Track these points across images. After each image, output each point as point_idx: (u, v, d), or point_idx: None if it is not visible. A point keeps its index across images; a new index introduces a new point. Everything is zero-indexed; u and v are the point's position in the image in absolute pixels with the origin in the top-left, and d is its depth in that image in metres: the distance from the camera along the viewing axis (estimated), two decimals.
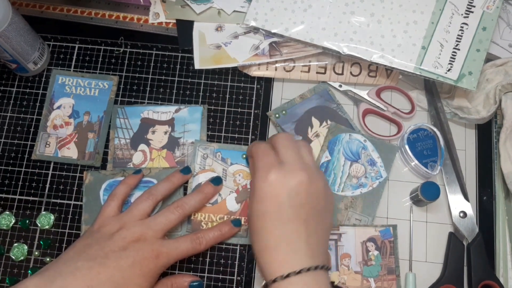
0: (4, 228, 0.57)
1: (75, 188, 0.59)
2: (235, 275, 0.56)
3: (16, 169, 0.60)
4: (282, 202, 0.46)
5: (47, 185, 0.59)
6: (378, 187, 0.58)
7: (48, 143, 0.60)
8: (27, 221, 0.57)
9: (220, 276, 0.56)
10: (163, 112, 0.61)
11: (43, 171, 0.60)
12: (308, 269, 0.44)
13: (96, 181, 0.58)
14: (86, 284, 0.45)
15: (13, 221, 0.57)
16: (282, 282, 0.43)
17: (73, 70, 0.64)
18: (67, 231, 0.58)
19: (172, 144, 0.60)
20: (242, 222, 0.56)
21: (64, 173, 0.60)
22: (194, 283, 0.52)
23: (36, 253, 0.57)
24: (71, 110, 0.62)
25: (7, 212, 0.58)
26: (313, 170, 0.48)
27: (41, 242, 0.57)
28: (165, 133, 0.60)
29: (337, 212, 0.57)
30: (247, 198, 0.57)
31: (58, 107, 0.62)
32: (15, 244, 0.56)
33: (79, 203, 0.59)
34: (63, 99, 0.62)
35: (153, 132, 0.60)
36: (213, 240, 0.53)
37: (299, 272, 0.43)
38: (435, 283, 0.55)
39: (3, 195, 0.59)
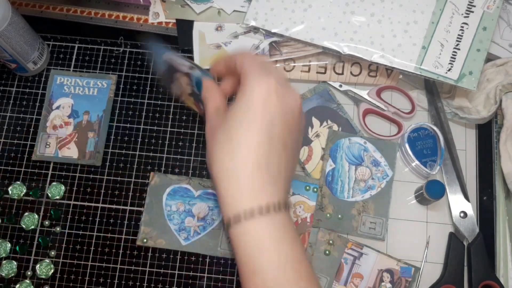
0: (15, 197, 0.58)
1: (74, 188, 0.59)
2: (235, 275, 0.56)
3: (16, 169, 0.60)
4: (275, 115, 0.39)
5: (47, 185, 0.59)
6: (386, 186, 0.58)
7: (48, 143, 0.60)
8: (39, 192, 0.58)
9: (220, 276, 0.56)
10: (182, 63, 0.52)
11: (43, 171, 0.60)
12: (278, 207, 0.38)
13: (162, 183, 0.58)
14: None
15: (24, 191, 0.58)
16: (246, 223, 0.37)
17: (73, 70, 0.64)
18: (79, 203, 0.59)
19: (196, 97, 0.51)
20: None
21: (64, 173, 0.60)
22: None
23: (46, 223, 0.57)
24: (70, 110, 0.61)
25: (18, 182, 0.59)
26: None
27: (51, 212, 0.58)
28: (187, 84, 0.52)
29: (351, 218, 0.57)
30: (306, 232, 0.56)
31: (57, 107, 0.61)
32: (26, 214, 0.57)
33: (79, 203, 0.59)
34: (62, 99, 0.62)
35: (177, 78, 0.53)
36: None
37: (267, 210, 0.37)
38: (435, 283, 0.55)
39: (4, 195, 0.59)
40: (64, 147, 0.60)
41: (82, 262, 0.57)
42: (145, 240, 0.56)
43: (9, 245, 0.57)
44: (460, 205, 0.57)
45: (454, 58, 0.57)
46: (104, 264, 0.57)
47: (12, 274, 0.56)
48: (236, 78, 0.44)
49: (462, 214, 0.57)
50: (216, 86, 0.45)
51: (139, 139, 0.61)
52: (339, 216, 0.57)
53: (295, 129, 0.41)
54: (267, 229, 0.37)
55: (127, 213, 0.58)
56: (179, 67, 0.51)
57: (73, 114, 0.61)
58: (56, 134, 0.60)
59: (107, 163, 0.60)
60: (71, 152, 0.60)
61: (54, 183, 0.59)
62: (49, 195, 0.58)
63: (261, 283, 0.36)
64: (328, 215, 0.57)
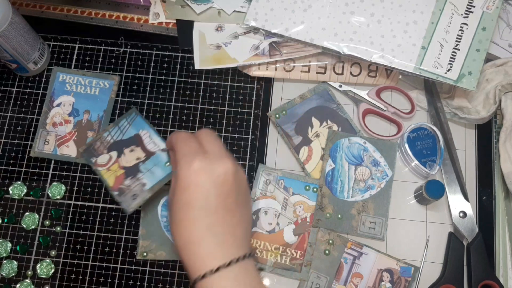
0: (16, 197, 0.58)
1: (75, 188, 0.59)
2: None
3: (16, 169, 0.60)
4: (208, 190, 0.43)
5: (47, 185, 0.59)
6: (386, 186, 0.58)
7: (47, 140, 0.60)
8: (39, 191, 0.59)
9: None
10: (154, 142, 0.57)
11: (44, 171, 0.60)
12: (237, 260, 0.42)
13: (155, 195, 0.56)
14: None
15: (25, 191, 0.59)
16: (212, 277, 0.41)
17: (74, 69, 0.64)
18: (79, 203, 0.59)
19: (131, 172, 0.55)
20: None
21: (64, 173, 0.60)
22: None
23: (47, 222, 0.58)
24: (71, 108, 0.61)
25: (19, 182, 0.59)
26: (235, 161, 0.46)
27: (52, 211, 0.58)
28: (137, 159, 0.56)
29: (351, 218, 0.57)
30: (306, 232, 0.56)
31: (58, 105, 0.62)
32: (27, 213, 0.58)
33: (79, 203, 0.59)
34: (63, 97, 0.62)
35: (131, 150, 0.57)
36: None
37: (229, 264, 0.41)
38: (435, 283, 0.55)
39: (4, 195, 0.59)
40: (63, 145, 0.60)
41: (83, 262, 0.57)
42: (145, 254, 0.56)
43: (9, 245, 0.57)
44: (460, 205, 0.57)
45: (454, 58, 0.57)
46: (104, 264, 0.57)
47: (13, 274, 0.56)
48: None
49: (461, 214, 0.57)
50: None
51: None
52: (339, 216, 0.57)
53: (244, 187, 0.46)
54: (230, 278, 0.41)
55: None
56: (148, 145, 0.56)
57: (73, 112, 0.61)
58: (56, 131, 0.60)
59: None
60: (69, 150, 0.60)
61: (54, 183, 0.59)
62: (50, 195, 0.58)
63: None
64: (328, 215, 0.57)
